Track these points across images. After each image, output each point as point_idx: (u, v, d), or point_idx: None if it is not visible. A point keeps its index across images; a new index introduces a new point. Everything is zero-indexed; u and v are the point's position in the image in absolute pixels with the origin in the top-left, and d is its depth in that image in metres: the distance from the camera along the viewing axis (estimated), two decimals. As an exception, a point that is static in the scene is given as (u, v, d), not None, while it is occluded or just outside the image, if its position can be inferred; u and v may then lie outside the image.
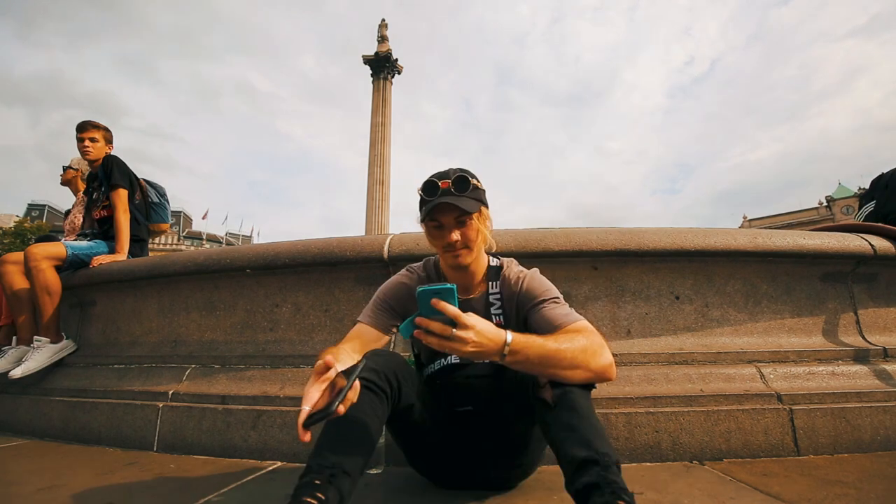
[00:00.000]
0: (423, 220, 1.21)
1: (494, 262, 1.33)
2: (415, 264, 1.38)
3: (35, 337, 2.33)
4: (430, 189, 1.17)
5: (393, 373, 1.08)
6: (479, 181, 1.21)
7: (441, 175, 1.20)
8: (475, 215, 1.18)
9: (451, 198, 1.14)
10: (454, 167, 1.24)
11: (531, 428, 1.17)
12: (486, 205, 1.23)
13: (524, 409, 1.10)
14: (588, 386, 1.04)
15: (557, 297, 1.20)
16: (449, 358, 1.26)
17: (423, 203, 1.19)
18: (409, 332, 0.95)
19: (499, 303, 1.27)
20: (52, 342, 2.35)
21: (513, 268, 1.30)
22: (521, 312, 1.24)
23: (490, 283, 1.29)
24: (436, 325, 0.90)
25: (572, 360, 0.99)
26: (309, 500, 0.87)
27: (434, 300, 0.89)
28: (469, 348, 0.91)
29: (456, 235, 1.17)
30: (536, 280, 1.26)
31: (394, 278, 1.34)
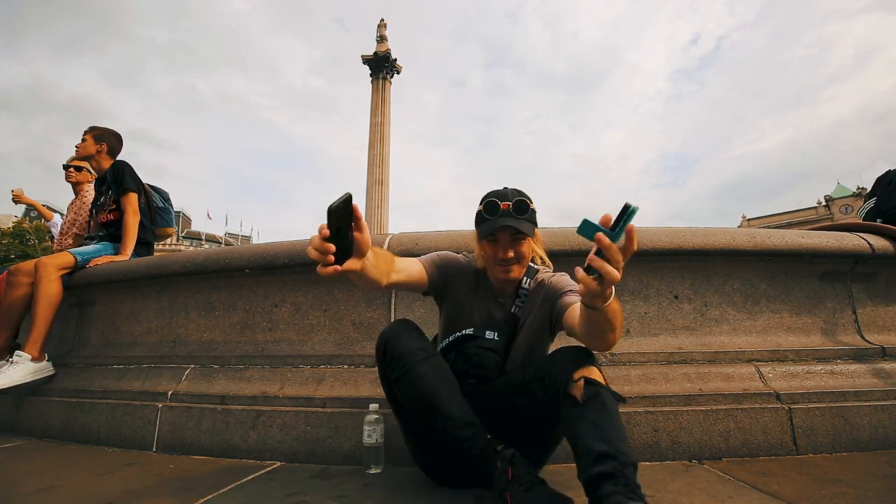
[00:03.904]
0: (483, 238, 1.30)
1: (533, 264, 1.43)
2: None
3: (17, 352, 2.19)
4: (491, 209, 1.27)
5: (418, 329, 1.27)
6: (532, 202, 1.30)
7: (500, 195, 1.29)
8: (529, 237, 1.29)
9: (511, 220, 1.24)
10: (509, 187, 1.33)
11: (551, 428, 1.19)
12: (537, 225, 1.34)
13: (545, 408, 1.12)
14: (617, 396, 1.07)
15: None
16: (463, 330, 1.36)
17: (481, 219, 1.30)
18: (590, 232, 0.84)
19: (525, 297, 1.38)
20: (33, 360, 2.20)
21: (545, 272, 1.42)
22: (544, 306, 1.33)
23: (525, 280, 1.38)
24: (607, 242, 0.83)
25: (621, 323, 1.03)
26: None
27: (629, 226, 0.83)
28: (619, 271, 0.85)
29: (511, 252, 1.28)
30: (566, 277, 1.37)
31: (459, 257, 1.46)
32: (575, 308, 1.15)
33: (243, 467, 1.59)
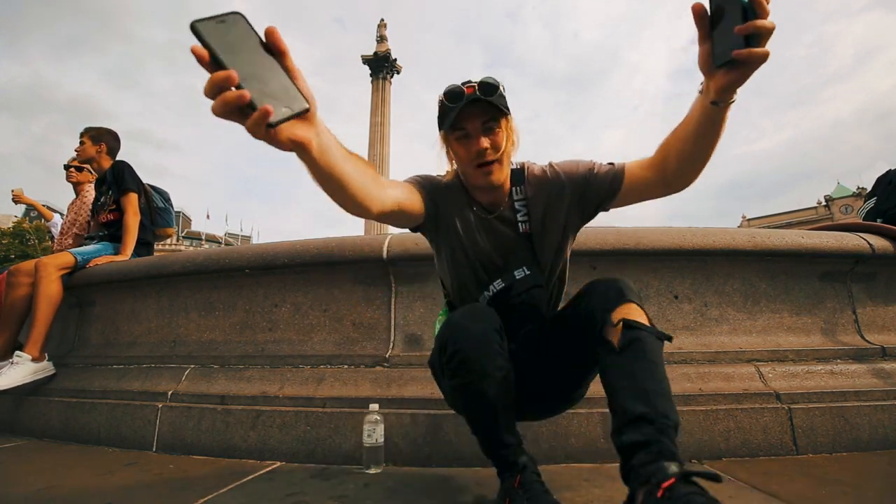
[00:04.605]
0: (446, 130, 1.12)
1: (515, 165, 1.24)
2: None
3: (17, 353, 2.18)
4: (454, 95, 1.08)
5: (500, 324, 1.05)
6: (502, 86, 1.11)
7: (464, 82, 1.10)
8: (503, 122, 1.11)
9: (479, 102, 1.07)
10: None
11: (590, 368, 1.13)
12: (510, 112, 1.14)
13: (578, 349, 1.06)
14: (661, 335, 0.98)
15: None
16: (491, 287, 1.20)
17: (445, 112, 1.11)
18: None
19: (524, 209, 1.21)
20: (33, 360, 2.20)
21: (534, 165, 1.25)
22: (565, 198, 1.18)
23: (514, 189, 1.22)
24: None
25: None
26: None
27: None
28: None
29: (485, 142, 1.08)
30: (567, 161, 1.22)
31: (435, 176, 1.25)
32: (636, 164, 1.10)
33: (243, 467, 1.59)
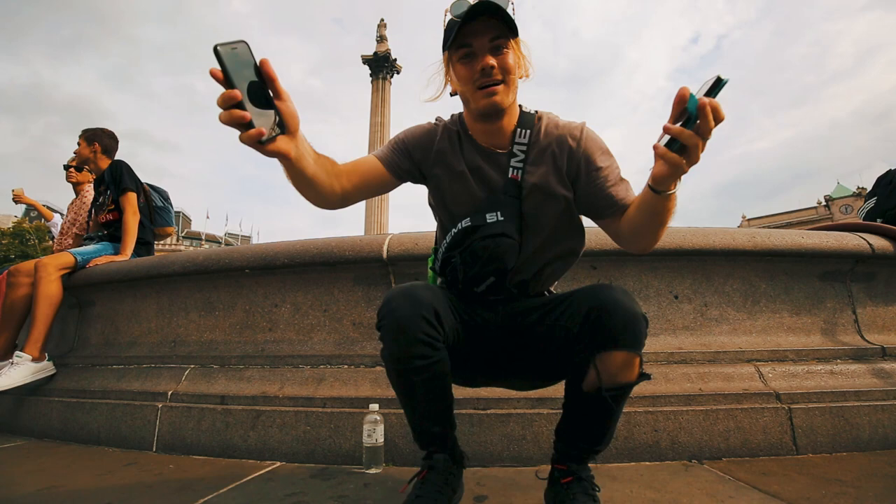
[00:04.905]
0: (449, 49, 1.04)
1: (528, 109, 1.15)
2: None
3: (16, 353, 2.19)
4: (461, 7, 1.00)
5: (433, 312, 0.96)
6: (514, 12, 1.04)
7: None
8: (512, 43, 1.03)
9: (486, 18, 0.99)
10: None
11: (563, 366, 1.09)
12: (519, 35, 1.05)
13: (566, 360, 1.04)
14: (640, 378, 1.00)
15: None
16: (459, 224, 1.10)
17: (450, 28, 1.02)
18: (693, 103, 0.74)
19: (522, 154, 1.11)
20: (33, 360, 2.20)
21: (556, 118, 1.15)
22: (558, 161, 1.10)
23: (518, 132, 1.12)
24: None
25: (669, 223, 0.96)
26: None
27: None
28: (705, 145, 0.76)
29: (491, 60, 1.00)
30: (600, 143, 1.12)
31: (421, 124, 1.20)
32: (631, 205, 1.03)
33: (243, 467, 1.59)
